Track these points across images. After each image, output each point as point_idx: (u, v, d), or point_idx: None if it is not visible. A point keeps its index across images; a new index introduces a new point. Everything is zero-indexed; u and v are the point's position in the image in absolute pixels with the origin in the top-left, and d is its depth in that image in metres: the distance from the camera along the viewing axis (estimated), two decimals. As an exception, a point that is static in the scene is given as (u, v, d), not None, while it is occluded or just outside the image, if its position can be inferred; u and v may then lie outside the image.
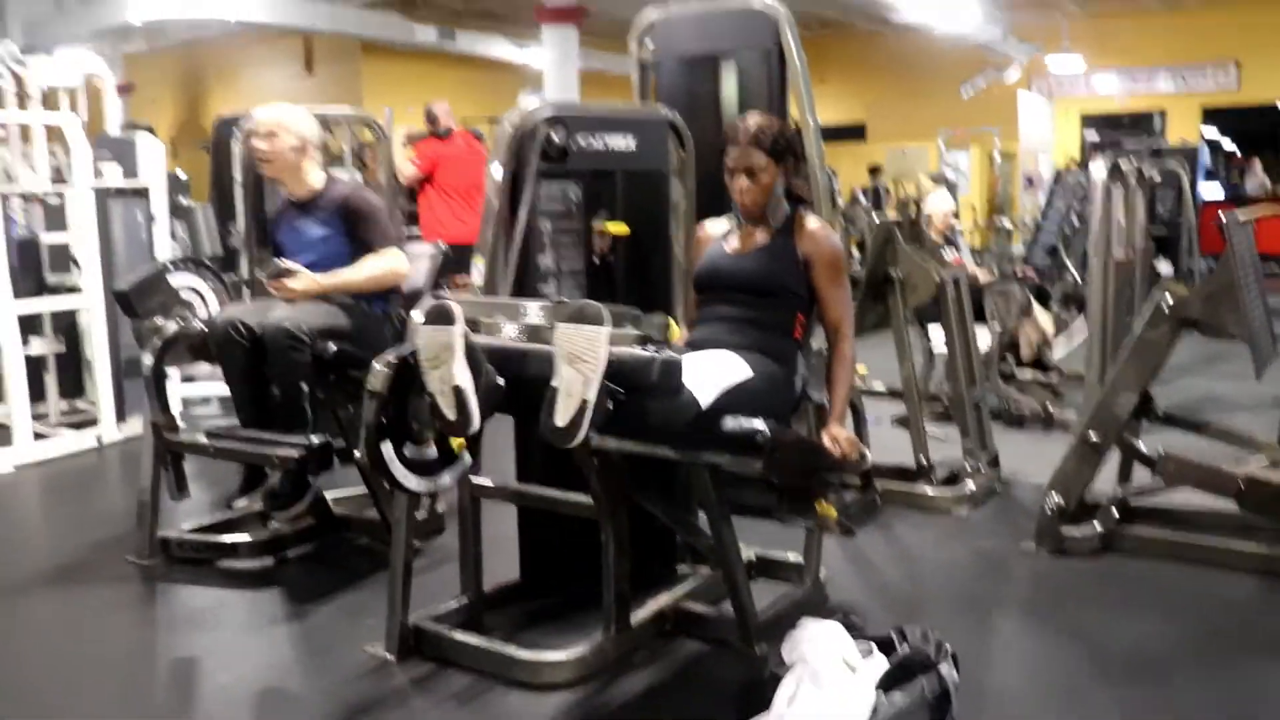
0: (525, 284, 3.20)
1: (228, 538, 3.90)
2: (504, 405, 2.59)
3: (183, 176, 8.25)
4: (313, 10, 14.78)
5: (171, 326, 3.72)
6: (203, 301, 3.93)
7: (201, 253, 6.70)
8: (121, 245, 5.89)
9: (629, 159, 3.35)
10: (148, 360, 3.70)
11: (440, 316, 2.46)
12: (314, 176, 3.86)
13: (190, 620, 3.43)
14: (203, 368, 5.99)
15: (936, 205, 6.32)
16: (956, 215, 6.45)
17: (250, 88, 18.37)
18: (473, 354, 2.46)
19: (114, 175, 5.95)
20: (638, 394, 2.38)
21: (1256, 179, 16.99)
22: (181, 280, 3.89)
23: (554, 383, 2.33)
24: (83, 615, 3.49)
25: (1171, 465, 3.42)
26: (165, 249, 6.18)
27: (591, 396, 2.28)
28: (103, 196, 5.74)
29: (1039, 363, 6.34)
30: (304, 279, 3.67)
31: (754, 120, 2.96)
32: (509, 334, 2.71)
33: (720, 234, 3.11)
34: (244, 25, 14.54)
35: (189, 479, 3.79)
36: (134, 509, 3.94)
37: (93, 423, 5.78)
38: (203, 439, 3.65)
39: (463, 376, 2.42)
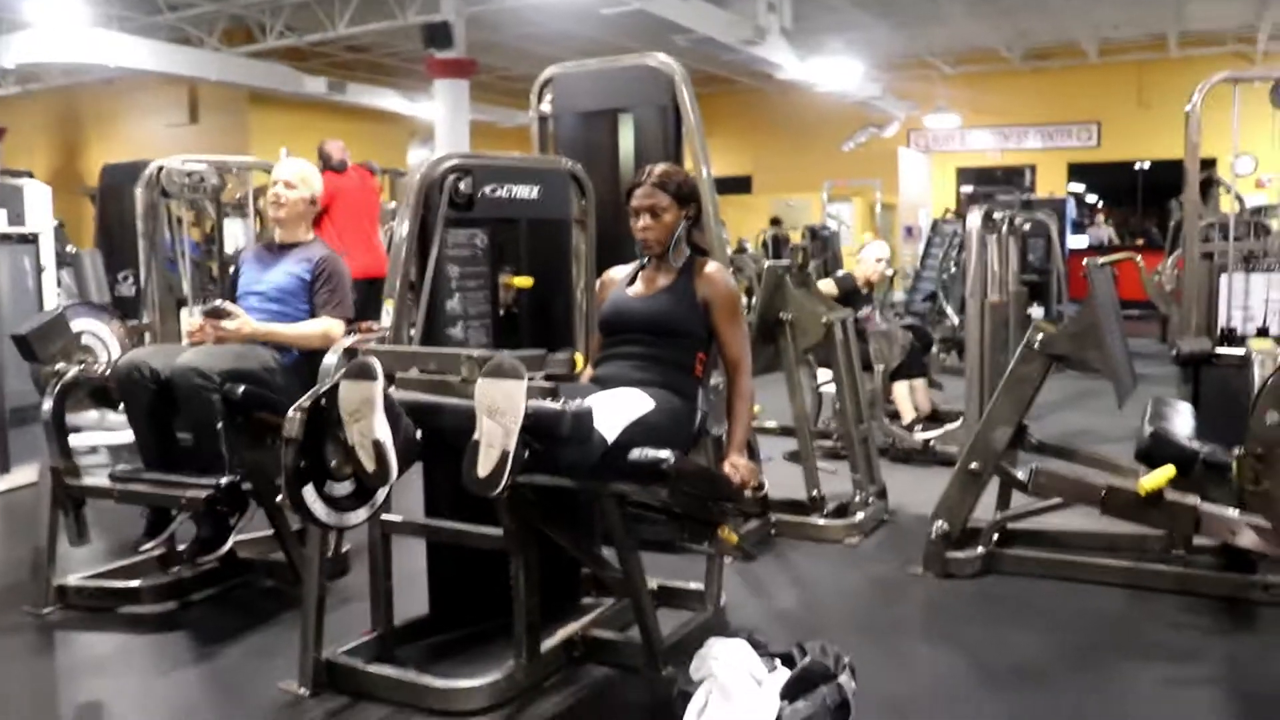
0: (433, 328, 3.30)
1: (129, 583, 3.87)
2: (421, 455, 2.69)
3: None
4: (200, 59, 14.67)
5: (73, 370, 3.71)
6: (104, 346, 3.93)
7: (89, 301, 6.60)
8: (7, 293, 5.78)
9: (533, 208, 3.49)
10: (48, 405, 3.68)
11: (361, 372, 2.55)
12: (307, 230, 4.10)
13: (94, 667, 3.39)
14: (90, 416, 5.92)
15: (869, 253, 6.62)
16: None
17: (130, 134, 18.07)
18: (391, 408, 2.56)
19: (0, 221, 5.86)
20: (550, 444, 2.52)
21: (1100, 230, 18.07)
22: (83, 325, 3.89)
23: (475, 435, 2.44)
24: (-25, 667, 3.42)
25: (1043, 479, 3.68)
26: (53, 297, 6.08)
27: (512, 447, 2.41)
28: (-13, 242, 5.65)
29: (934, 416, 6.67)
30: (237, 322, 3.74)
31: (660, 166, 3.18)
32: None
33: (624, 278, 3.27)
34: (125, 71, 14.35)
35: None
36: (22, 559, 3.88)
37: (-26, 473, 5.63)
38: (107, 483, 3.63)
39: (382, 430, 2.52)
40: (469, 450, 2.46)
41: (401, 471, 2.61)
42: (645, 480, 2.71)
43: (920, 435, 6.12)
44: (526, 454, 2.47)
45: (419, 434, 2.68)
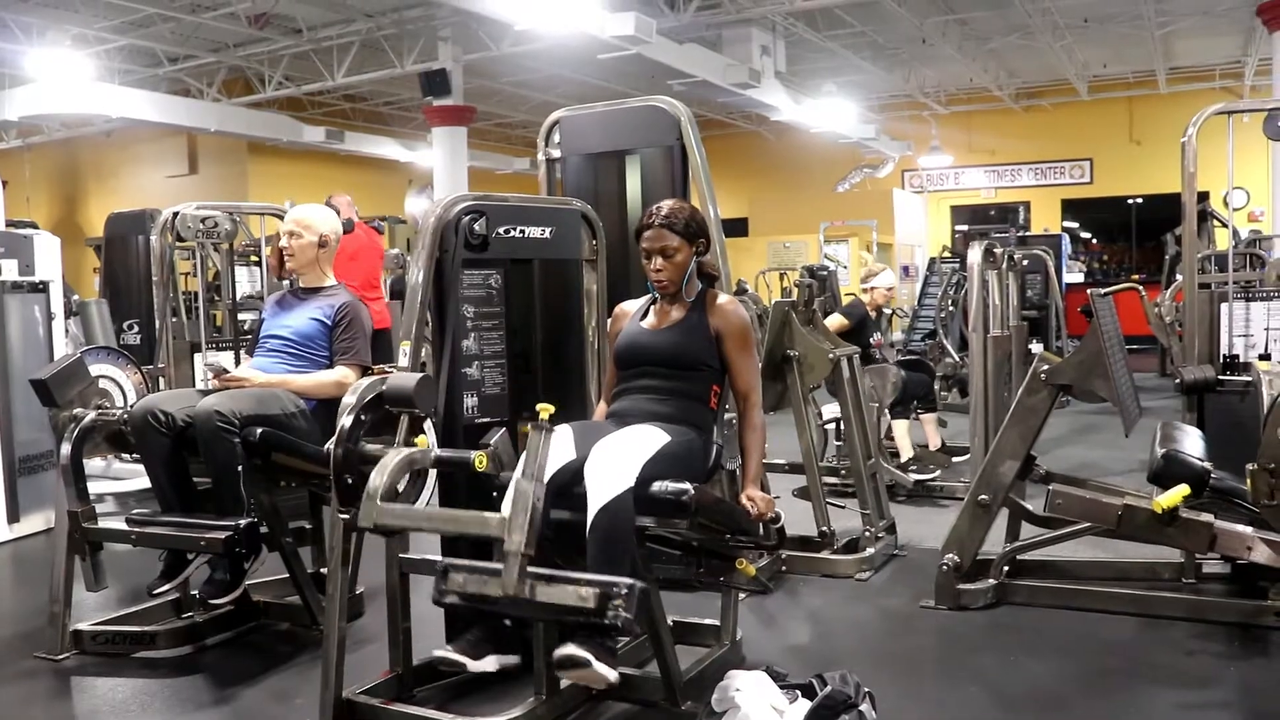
0: (450, 367, 3.34)
1: (144, 628, 3.87)
2: None
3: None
4: (200, 110, 14.84)
5: (90, 415, 3.74)
6: (121, 391, 3.95)
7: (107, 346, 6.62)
8: (18, 341, 5.82)
9: (546, 248, 3.55)
10: (66, 449, 3.70)
11: None
12: (327, 273, 4.14)
13: (113, 711, 3.38)
14: (96, 464, 5.93)
15: (881, 281, 6.67)
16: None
17: (130, 186, 18.24)
18: None
19: (11, 270, 5.90)
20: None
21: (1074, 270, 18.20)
22: (100, 370, 3.92)
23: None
24: (-3, 713, 3.43)
25: (1060, 499, 3.70)
26: (62, 345, 6.11)
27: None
28: (-2, 291, 5.70)
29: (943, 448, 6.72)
30: (248, 373, 3.82)
31: (667, 205, 3.20)
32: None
33: (637, 311, 3.31)
34: (126, 123, 14.51)
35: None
36: (35, 607, 3.88)
37: (-19, 524, 5.64)
38: (124, 526, 3.65)
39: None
40: None
41: None
42: (666, 513, 2.74)
43: (914, 476, 6.11)
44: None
45: None
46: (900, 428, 6.47)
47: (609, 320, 3.53)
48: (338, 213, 7.35)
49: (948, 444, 6.83)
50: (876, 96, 18.48)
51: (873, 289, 6.63)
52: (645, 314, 3.29)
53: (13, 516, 5.65)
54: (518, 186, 19.12)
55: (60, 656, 3.74)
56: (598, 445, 2.84)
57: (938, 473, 6.20)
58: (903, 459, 6.38)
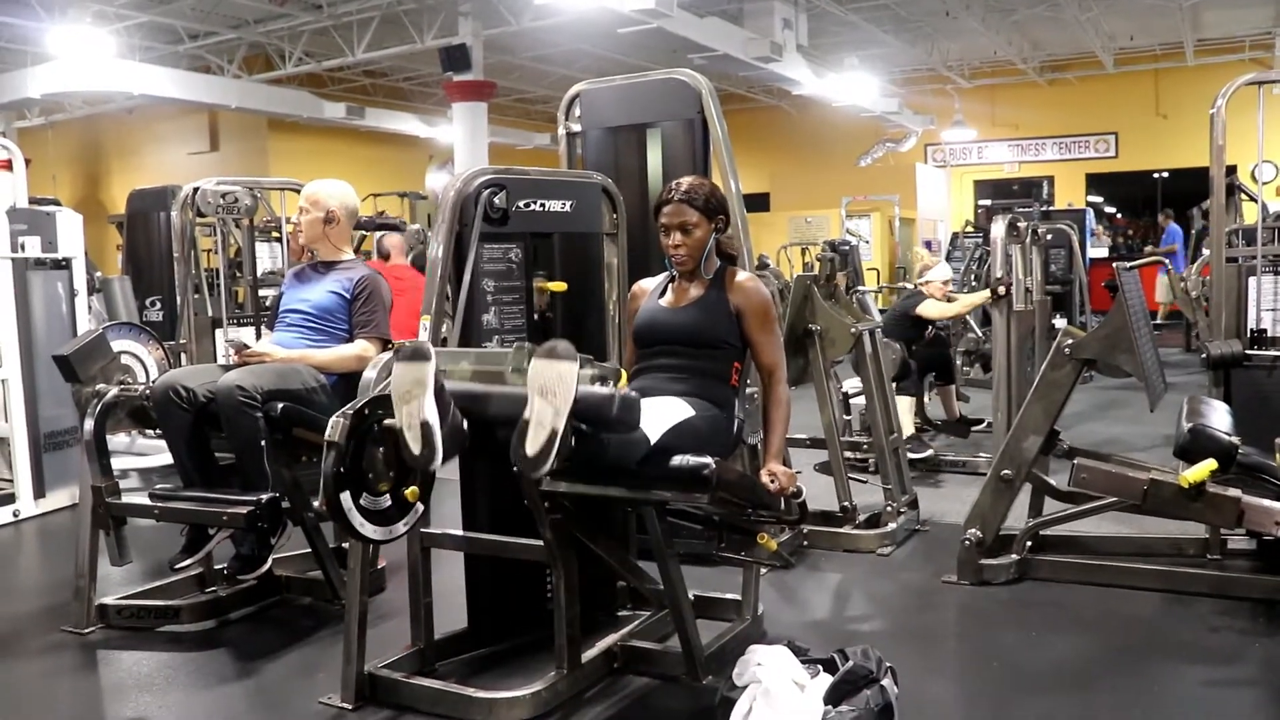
0: (469, 343, 3.33)
1: (168, 602, 3.90)
2: (467, 447, 2.73)
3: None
4: (220, 87, 14.84)
5: (113, 391, 3.76)
6: (143, 366, 3.97)
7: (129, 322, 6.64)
8: (41, 317, 5.85)
9: (566, 221, 3.53)
10: (89, 424, 3.72)
11: (414, 354, 2.61)
12: (343, 247, 4.10)
13: (139, 684, 3.41)
14: (119, 440, 5.97)
15: (935, 275, 6.70)
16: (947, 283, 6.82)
17: (152, 163, 18.28)
18: (441, 394, 2.61)
19: (34, 247, 5.92)
20: (597, 428, 2.56)
21: (1102, 242, 18.09)
22: (122, 345, 3.93)
23: (525, 415, 2.49)
24: (23, 686, 3.46)
25: (1084, 473, 3.66)
26: (84, 321, 6.15)
27: (560, 426, 2.44)
28: (21, 268, 5.72)
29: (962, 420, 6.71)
30: (268, 348, 3.82)
31: (686, 181, 3.17)
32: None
33: (655, 289, 3.29)
34: (147, 100, 14.52)
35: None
36: (59, 582, 3.91)
37: (9, 498, 5.68)
38: (147, 501, 3.67)
39: (430, 412, 2.56)
40: (519, 428, 2.51)
41: (446, 459, 2.65)
42: (687, 487, 2.73)
43: (911, 455, 6.05)
44: (574, 438, 2.52)
45: (466, 424, 2.72)
46: (903, 404, 6.40)
47: (628, 296, 3.51)
48: (387, 256, 7.17)
49: (965, 415, 6.81)
50: (899, 70, 18.30)
51: (928, 283, 6.65)
52: (663, 292, 3.26)
53: (39, 492, 5.70)
54: (538, 161, 19.06)
55: (85, 630, 3.78)
56: None
57: (929, 452, 6.17)
58: (904, 435, 6.33)
